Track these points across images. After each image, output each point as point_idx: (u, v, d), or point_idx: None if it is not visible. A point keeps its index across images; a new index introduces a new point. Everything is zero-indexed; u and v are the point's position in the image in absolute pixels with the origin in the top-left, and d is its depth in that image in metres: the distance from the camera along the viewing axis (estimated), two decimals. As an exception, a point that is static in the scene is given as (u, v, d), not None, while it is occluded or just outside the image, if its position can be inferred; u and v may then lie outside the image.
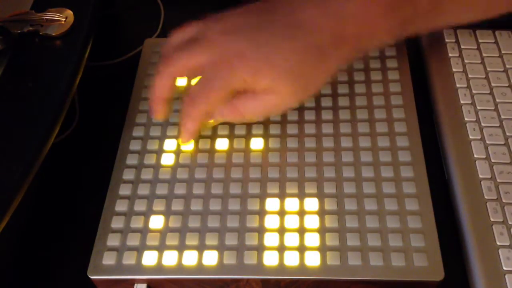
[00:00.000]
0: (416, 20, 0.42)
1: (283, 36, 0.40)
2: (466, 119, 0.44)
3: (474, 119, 0.44)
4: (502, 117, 0.44)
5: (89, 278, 0.38)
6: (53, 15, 0.45)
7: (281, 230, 0.39)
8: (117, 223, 0.40)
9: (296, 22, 0.40)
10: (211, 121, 0.44)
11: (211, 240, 0.39)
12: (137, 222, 0.40)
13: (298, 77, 0.40)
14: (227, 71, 0.40)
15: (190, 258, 0.38)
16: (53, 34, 0.44)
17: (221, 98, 0.41)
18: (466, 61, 0.48)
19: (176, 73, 0.42)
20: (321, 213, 0.40)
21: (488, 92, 0.45)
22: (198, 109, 0.41)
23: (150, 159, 0.43)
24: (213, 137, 0.44)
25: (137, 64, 0.50)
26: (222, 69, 0.40)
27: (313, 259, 0.37)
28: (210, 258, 0.38)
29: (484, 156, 0.42)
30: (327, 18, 0.40)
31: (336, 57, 0.41)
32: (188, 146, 0.44)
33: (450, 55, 0.48)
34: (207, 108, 0.41)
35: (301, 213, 0.40)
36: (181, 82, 0.48)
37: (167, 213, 0.40)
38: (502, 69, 0.47)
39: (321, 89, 0.45)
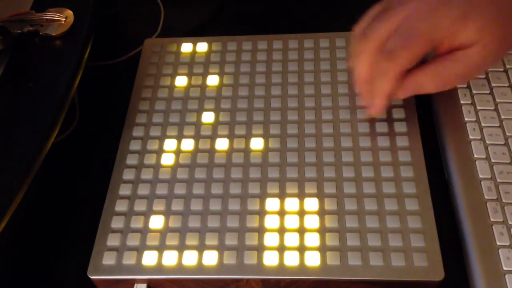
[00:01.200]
0: None
1: None
2: (466, 119, 0.44)
3: (474, 119, 0.44)
4: (502, 117, 0.44)
5: (89, 278, 0.38)
6: (53, 15, 0.45)
7: (281, 230, 0.39)
8: (117, 223, 0.40)
9: None
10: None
11: (211, 240, 0.39)
12: (137, 222, 0.40)
13: (505, 26, 0.37)
14: (431, 19, 0.36)
15: (190, 258, 0.38)
16: (53, 34, 0.44)
17: (424, 49, 0.37)
18: (466, 61, 0.48)
19: (377, 45, 0.38)
20: (321, 213, 0.40)
21: (488, 92, 0.45)
22: (397, 64, 0.37)
23: (150, 159, 0.43)
24: (213, 137, 0.44)
25: (137, 64, 0.50)
26: (425, 17, 0.36)
27: (313, 259, 0.37)
28: (210, 258, 0.38)
29: (484, 156, 0.42)
30: None
31: None
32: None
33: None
34: (408, 63, 0.37)
35: (301, 213, 0.40)
36: (181, 81, 0.48)
37: (167, 213, 0.40)
38: (502, 69, 0.47)
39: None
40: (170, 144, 0.44)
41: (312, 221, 0.39)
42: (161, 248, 0.39)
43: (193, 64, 0.50)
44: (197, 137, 0.45)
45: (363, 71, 0.40)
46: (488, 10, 0.36)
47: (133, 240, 0.39)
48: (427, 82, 0.39)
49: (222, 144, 0.44)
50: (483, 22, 0.36)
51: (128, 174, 0.43)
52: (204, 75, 0.49)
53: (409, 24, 0.37)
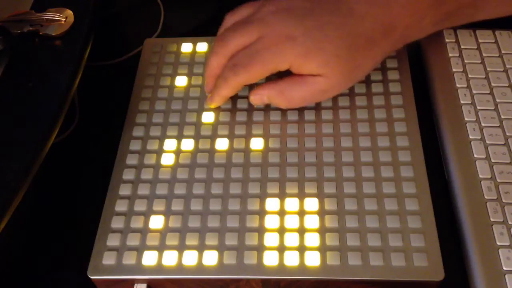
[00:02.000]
0: (459, 13, 0.44)
1: (333, 22, 0.41)
2: (466, 119, 0.44)
3: (474, 119, 0.44)
4: (502, 117, 0.44)
5: (89, 278, 0.38)
6: (53, 15, 0.45)
7: (281, 230, 0.39)
8: (117, 223, 0.40)
9: (347, 10, 0.41)
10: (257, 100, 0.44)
11: (211, 240, 0.39)
12: (137, 222, 0.40)
13: (346, 62, 0.41)
14: (275, 50, 0.41)
15: (190, 258, 0.38)
16: (53, 34, 0.44)
17: (262, 73, 0.42)
18: (466, 61, 0.48)
19: (230, 52, 0.43)
20: (321, 213, 0.40)
21: (488, 92, 0.45)
22: (237, 77, 0.42)
23: (150, 159, 0.43)
24: (213, 137, 0.44)
25: (137, 64, 0.50)
26: (271, 46, 0.41)
27: (313, 259, 0.37)
28: (210, 258, 0.38)
29: (484, 156, 0.42)
30: (377, 7, 0.41)
31: (383, 45, 0.42)
32: (209, 117, 0.46)
33: (450, 55, 0.48)
34: (246, 80, 0.42)
35: (301, 213, 0.40)
36: (181, 81, 0.48)
37: (167, 213, 0.40)
38: (502, 69, 0.47)
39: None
40: (170, 144, 0.44)
41: (312, 221, 0.39)
42: (161, 248, 0.39)
43: (193, 64, 0.50)
44: (197, 137, 0.45)
45: (212, 69, 0.44)
46: (328, 48, 0.40)
47: (133, 240, 0.39)
48: (275, 98, 0.43)
49: (222, 144, 0.44)
50: (323, 59, 0.40)
51: (128, 174, 0.43)
52: (204, 75, 0.49)
53: (258, 47, 0.41)
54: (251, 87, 0.45)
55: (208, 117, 0.46)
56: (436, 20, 0.44)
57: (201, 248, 0.39)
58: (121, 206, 0.41)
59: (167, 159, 0.43)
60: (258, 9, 0.43)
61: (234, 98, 0.47)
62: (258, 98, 0.44)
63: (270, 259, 0.38)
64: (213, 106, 0.46)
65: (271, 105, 0.46)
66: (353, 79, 0.44)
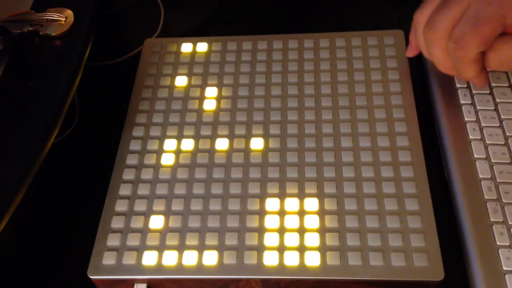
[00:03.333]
0: None
1: None
2: (466, 119, 0.44)
3: (474, 119, 0.44)
4: (502, 117, 0.44)
5: (89, 278, 0.38)
6: (53, 15, 0.45)
7: (281, 230, 0.39)
8: (117, 223, 0.40)
9: None
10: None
11: (211, 240, 0.39)
12: (137, 222, 0.40)
13: None
14: (497, 1, 0.35)
15: (190, 258, 0.38)
16: (53, 34, 0.44)
17: (494, 31, 0.36)
18: (466, 61, 0.48)
19: (446, 33, 0.37)
20: (321, 213, 0.40)
21: (488, 92, 0.45)
22: (469, 51, 0.37)
23: (150, 159, 0.43)
24: (213, 137, 0.44)
25: (137, 64, 0.50)
26: (491, 1, 0.35)
27: (313, 259, 0.37)
28: (210, 258, 0.38)
29: (484, 156, 0.42)
30: None
31: None
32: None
33: None
34: (479, 46, 0.36)
35: (301, 213, 0.40)
36: (181, 81, 0.48)
37: (167, 213, 0.40)
38: (502, 69, 0.47)
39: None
40: (170, 144, 0.44)
41: (312, 221, 0.39)
42: (161, 248, 0.39)
43: (193, 64, 0.50)
44: (197, 137, 0.45)
45: (442, 63, 0.40)
46: None
47: (133, 240, 0.39)
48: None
49: (222, 144, 0.44)
50: None
51: (128, 174, 0.43)
52: (204, 75, 0.49)
53: (476, 8, 0.36)
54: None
55: (208, 117, 0.46)
56: None
57: (201, 248, 0.39)
58: (121, 206, 0.41)
59: (167, 159, 0.43)
60: None
61: (234, 98, 0.47)
62: (497, 60, 0.37)
63: (270, 259, 0.38)
64: (483, 86, 0.40)
65: (271, 105, 0.46)
66: None
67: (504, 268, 0.37)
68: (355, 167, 0.42)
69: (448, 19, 0.37)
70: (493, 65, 0.38)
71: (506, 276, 0.36)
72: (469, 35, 0.36)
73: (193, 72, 0.49)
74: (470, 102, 0.45)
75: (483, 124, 0.44)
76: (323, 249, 0.38)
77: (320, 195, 0.40)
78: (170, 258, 0.38)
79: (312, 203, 0.40)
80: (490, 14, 0.35)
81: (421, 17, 0.40)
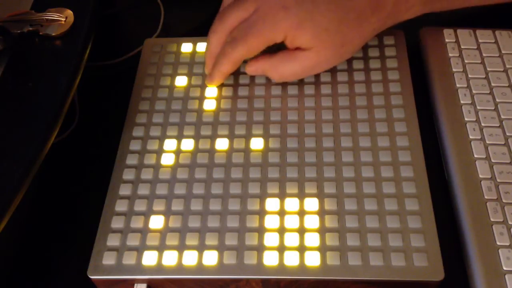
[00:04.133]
0: None
1: None
2: (466, 119, 0.44)
3: (474, 119, 0.44)
4: (502, 117, 0.44)
5: (89, 278, 0.38)
6: (53, 15, 0.45)
7: (281, 230, 0.39)
8: (117, 223, 0.40)
9: None
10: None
11: (211, 240, 0.39)
12: (137, 222, 0.40)
13: (336, 35, 0.42)
14: (271, 21, 0.42)
15: (190, 258, 0.38)
16: (53, 34, 0.44)
17: (260, 45, 0.43)
18: (466, 61, 0.48)
19: (228, 28, 0.44)
20: (321, 213, 0.40)
21: (488, 92, 0.45)
22: (236, 51, 0.43)
23: (150, 159, 0.43)
24: (213, 137, 0.44)
25: (137, 64, 0.50)
26: (266, 18, 0.42)
27: (313, 259, 0.37)
28: (210, 258, 0.38)
29: (484, 156, 0.42)
30: None
31: (373, 21, 0.43)
32: (212, 92, 0.47)
33: (450, 55, 0.48)
34: (244, 53, 0.43)
35: (301, 213, 0.40)
36: (181, 81, 0.48)
37: (167, 213, 0.40)
38: (502, 69, 0.47)
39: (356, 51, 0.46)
40: (170, 144, 0.44)
41: (312, 221, 0.39)
42: (161, 248, 0.39)
43: (193, 64, 0.50)
44: (197, 137, 0.45)
45: (212, 47, 0.45)
46: (321, 21, 0.41)
47: (133, 240, 0.39)
48: (269, 71, 0.45)
49: (222, 144, 0.44)
50: (315, 31, 0.42)
51: (128, 174, 0.43)
52: (204, 75, 0.49)
53: (254, 19, 0.42)
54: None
55: (208, 117, 0.46)
56: (426, 1, 0.44)
57: (201, 248, 0.39)
58: (121, 206, 0.41)
59: (167, 159, 0.43)
60: None
61: (234, 98, 0.47)
62: (253, 69, 0.46)
63: (270, 259, 0.38)
64: (213, 84, 0.47)
65: (271, 105, 0.46)
66: (343, 55, 0.44)
67: (504, 268, 0.37)
68: (355, 167, 0.42)
69: (235, 16, 0.43)
70: (251, 70, 0.46)
71: (506, 276, 0.36)
72: (240, 40, 0.43)
73: (193, 72, 0.49)
74: (470, 102, 0.45)
75: (483, 124, 0.44)
76: (323, 249, 0.38)
77: (320, 195, 0.40)
78: (170, 258, 0.38)
79: (312, 203, 0.40)
80: (260, 30, 0.42)
81: (223, 5, 0.47)
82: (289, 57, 0.44)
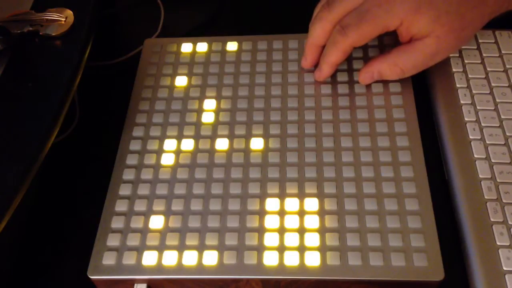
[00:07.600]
0: None
1: None
2: (466, 119, 0.44)
3: (474, 119, 0.44)
4: (502, 117, 0.44)
5: (89, 278, 0.38)
6: (53, 15, 0.45)
7: (281, 230, 0.39)
8: (117, 223, 0.40)
9: None
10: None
11: (211, 240, 0.39)
12: (137, 222, 0.40)
13: (456, 18, 0.40)
14: (386, 6, 0.40)
15: (190, 258, 0.38)
16: (53, 34, 0.44)
17: (374, 32, 0.41)
18: (466, 61, 0.48)
19: (336, 17, 0.42)
20: (321, 213, 0.40)
21: (488, 92, 0.45)
22: (347, 39, 0.41)
23: (150, 159, 0.43)
24: (213, 137, 0.44)
25: (137, 64, 0.50)
26: (381, 3, 0.40)
27: (313, 259, 0.37)
28: (210, 258, 0.38)
29: (484, 156, 0.42)
30: None
31: (491, 4, 0.41)
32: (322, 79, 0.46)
33: (450, 55, 0.48)
34: (356, 41, 0.41)
35: (301, 213, 0.40)
36: (181, 81, 0.48)
37: (167, 213, 0.40)
38: (502, 69, 0.47)
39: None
40: (170, 144, 0.44)
41: (312, 221, 0.39)
42: (161, 248, 0.39)
43: (193, 64, 0.50)
44: (197, 137, 0.45)
45: (318, 36, 0.43)
46: (439, 3, 0.39)
47: (133, 240, 0.39)
48: (387, 71, 0.43)
49: (222, 144, 0.44)
50: (434, 14, 0.39)
51: (128, 174, 0.43)
52: (204, 75, 0.49)
53: (367, 6, 0.40)
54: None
55: (208, 117, 0.46)
56: None
57: (201, 248, 0.39)
58: (121, 206, 0.41)
59: (167, 159, 0.43)
60: None
61: (234, 98, 0.47)
62: (368, 76, 0.44)
63: (270, 259, 0.38)
64: (323, 77, 0.45)
65: (271, 105, 0.46)
66: (463, 39, 0.42)
67: (504, 268, 0.37)
68: (355, 167, 0.42)
69: (344, 6, 0.42)
70: (365, 76, 0.44)
71: (506, 276, 0.36)
72: (353, 26, 0.41)
73: (193, 72, 0.49)
74: (470, 102, 0.45)
75: (483, 124, 0.44)
76: (323, 249, 0.38)
77: (320, 195, 0.40)
78: (170, 258, 0.38)
79: (312, 203, 0.40)
80: (375, 16, 0.40)
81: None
82: (406, 50, 0.41)
